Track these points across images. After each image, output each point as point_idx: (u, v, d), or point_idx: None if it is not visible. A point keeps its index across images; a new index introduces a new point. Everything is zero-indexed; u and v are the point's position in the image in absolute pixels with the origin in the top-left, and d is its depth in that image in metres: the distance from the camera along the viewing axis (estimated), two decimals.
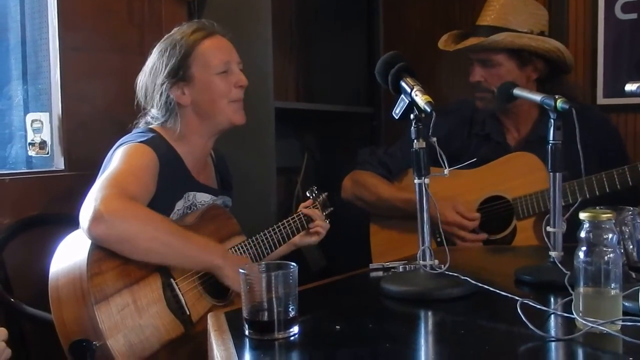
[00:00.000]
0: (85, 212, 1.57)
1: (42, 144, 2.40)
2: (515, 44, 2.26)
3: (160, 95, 1.92)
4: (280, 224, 2.10)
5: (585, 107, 2.46)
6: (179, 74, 1.91)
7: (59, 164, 2.42)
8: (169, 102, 1.93)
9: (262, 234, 2.03)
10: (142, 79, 1.98)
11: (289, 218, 2.14)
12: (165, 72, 1.91)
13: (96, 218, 1.55)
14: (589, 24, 2.80)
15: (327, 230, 2.22)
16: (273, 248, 2.05)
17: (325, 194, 2.33)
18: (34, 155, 2.42)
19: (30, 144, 2.41)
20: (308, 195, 2.28)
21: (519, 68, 2.30)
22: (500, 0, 2.36)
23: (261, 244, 2.01)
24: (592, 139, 2.15)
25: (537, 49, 2.27)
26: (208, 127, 1.98)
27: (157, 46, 1.98)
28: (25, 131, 2.42)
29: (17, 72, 2.48)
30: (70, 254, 1.61)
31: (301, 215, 2.17)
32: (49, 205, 2.30)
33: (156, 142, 1.87)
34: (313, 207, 2.23)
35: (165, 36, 1.99)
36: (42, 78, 2.45)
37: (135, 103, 1.99)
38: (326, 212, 2.28)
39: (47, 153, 2.41)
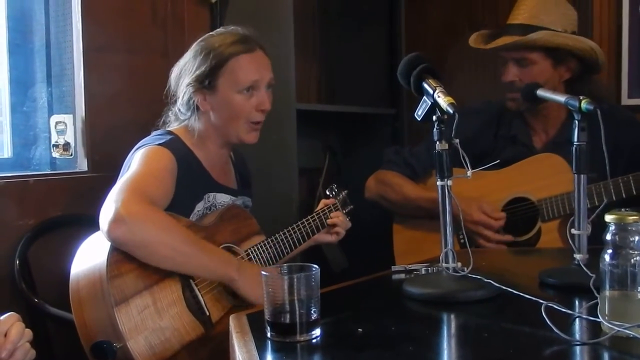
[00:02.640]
0: (106, 214, 1.58)
1: (66, 146, 2.42)
2: (552, 42, 2.23)
3: (185, 94, 1.94)
4: (299, 222, 2.11)
5: (615, 107, 2.43)
6: (205, 81, 1.91)
7: (83, 165, 2.43)
8: (191, 103, 1.94)
9: (281, 233, 2.03)
10: (175, 72, 1.98)
11: (308, 217, 2.14)
12: (194, 75, 1.92)
13: (116, 220, 1.56)
14: (614, 23, 2.78)
15: (348, 229, 2.22)
16: (293, 247, 2.06)
17: (345, 191, 2.33)
18: (57, 156, 2.44)
19: (54, 145, 2.43)
20: (328, 193, 2.29)
21: (553, 67, 2.27)
22: None
23: (281, 243, 2.01)
24: (621, 139, 2.13)
25: (573, 48, 2.24)
26: (220, 138, 1.98)
27: (195, 44, 1.97)
28: (49, 133, 2.45)
29: (42, 74, 2.50)
30: (90, 255, 1.62)
31: (320, 214, 2.17)
32: (72, 206, 2.32)
33: (174, 144, 1.88)
34: (333, 205, 2.23)
35: (206, 35, 1.98)
36: (66, 80, 2.47)
37: (165, 91, 2.00)
38: (346, 210, 2.28)
39: (71, 155, 2.42)
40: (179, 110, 1.97)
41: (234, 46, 1.92)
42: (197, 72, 1.91)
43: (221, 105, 1.93)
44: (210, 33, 2.00)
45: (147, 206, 1.63)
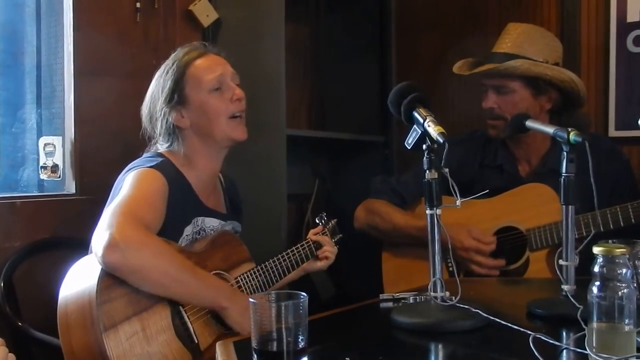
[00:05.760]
0: (100, 239, 1.57)
1: (54, 168, 2.41)
2: (531, 71, 2.26)
3: (162, 121, 1.94)
4: (289, 250, 2.10)
5: (597, 137, 2.45)
6: (174, 97, 1.92)
7: (70, 187, 2.43)
8: (170, 127, 1.94)
9: (271, 261, 2.02)
10: (145, 107, 1.99)
11: (298, 245, 2.13)
12: (163, 97, 1.93)
13: (111, 246, 1.54)
14: (601, 56, 2.81)
15: (336, 255, 2.22)
16: (282, 275, 2.04)
17: (335, 220, 2.33)
18: (45, 178, 2.43)
19: (42, 167, 2.42)
20: (317, 221, 2.28)
21: (533, 97, 2.29)
22: (518, 29, 2.37)
23: (270, 271, 2.00)
24: (604, 169, 2.15)
25: (553, 79, 2.27)
26: (211, 147, 1.97)
27: (156, 73, 1.99)
28: (38, 154, 2.44)
29: (32, 95, 2.50)
30: (79, 280, 1.61)
31: (310, 243, 2.16)
32: (59, 229, 2.31)
33: (165, 166, 1.87)
34: (322, 233, 2.23)
35: (164, 63, 2.01)
36: (56, 102, 2.47)
37: (141, 133, 2.00)
38: (335, 239, 2.28)
39: (59, 177, 2.41)
40: (162, 140, 1.96)
41: (187, 55, 1.96)
42: (164, 92, 1.93)
43: (199, 112, 1.93)
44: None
45: (141, 231, 1.62)
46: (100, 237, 1.57)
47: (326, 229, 2.25)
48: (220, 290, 1.74)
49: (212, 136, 1.95)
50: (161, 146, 1.97)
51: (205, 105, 1.93)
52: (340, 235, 2.33)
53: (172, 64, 1.95)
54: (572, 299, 1.49)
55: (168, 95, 1.93)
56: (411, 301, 1.66)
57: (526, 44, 2.31)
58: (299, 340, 1.17)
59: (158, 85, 1.96)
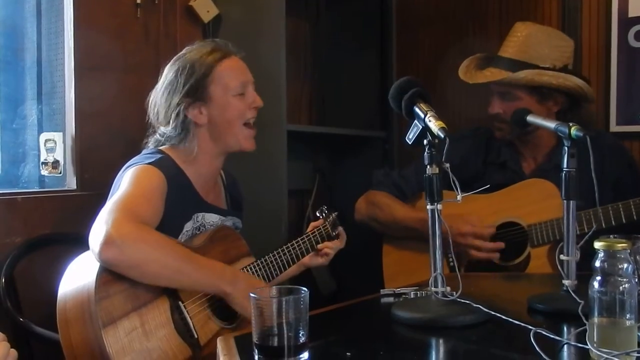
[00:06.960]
0: (96, 236, 1.56)
1: (55, 164, 2.41)
2: (535, 81, 2.24)
3: (177, 114, 1.92)
4: (289, 244, 2.10)
5: (602, 134, 2.45)
6: (197, 93, 1.92)
7: (71, 183, 2.42)
8: (185, 121, 1.92)
9: (271, 255, 2.02)
10: (156, 97, 1.97)
11: (298, 239, 2.14)
12: (183, 91, 1.91)
13: (107, 242, 1.54)
14: (602, 51, 2.81)
15: (337, 250, 2.22)
16: (282, 269, 2.05)
17: (335, 213, 2.33)
18: (46, 174, 2.43)
19: (43, 163, 2.42)
20: (318, 214, 2.28)
21: (538, 103, 2.28)
22: (524, 31, 2.34)
23: (270, 265, 2.00)
24: (607, 166, 2.15)
25: (559, 87, 2.25)
26: (219, 148, 1.98)
27: (170, 65, 1.97)
28: (39, 150, 2.44)
29: (32, 91, 2.50)
30: (78, 276, 1.61)
31: (310, 236, 2.16)
32: (60, 224, 2.30)
33: (164, 163, 1.87)
34: (323, 226, 2.22)
35: (178, 55, 1.99)
36: (57, 98, 2.47)
37: (147, 121, 1.99)
38: (336, 232, 2.28)
39: (60, 173, 2.41)
40: (170, 133, 1.94)
41: (213, 54, 1.96)
42: (186, 87, 1.91)
43: (219, 111, 1.94)
44: (181, 52, 2.00)
45: (138, 226, 1.62)
46: (96, 234, 1.57)
47: (327, 222, 2.25)
48: (222, 275, 1.72)
49: (224, 138, 1.96)
50: (168, 140, 1.96)
51: (228, 107, 1.94)
52: (341, 228, 2.32)
53: (199, 58, 1.94)
54: (573, 294, 1.49)
55: (190, 90, 1.91)
56: (412, 296, 1.66)
57: (532, 50, 2.29)
58: (300, 335, 1.17)
59: (178, 78, 1.93)
